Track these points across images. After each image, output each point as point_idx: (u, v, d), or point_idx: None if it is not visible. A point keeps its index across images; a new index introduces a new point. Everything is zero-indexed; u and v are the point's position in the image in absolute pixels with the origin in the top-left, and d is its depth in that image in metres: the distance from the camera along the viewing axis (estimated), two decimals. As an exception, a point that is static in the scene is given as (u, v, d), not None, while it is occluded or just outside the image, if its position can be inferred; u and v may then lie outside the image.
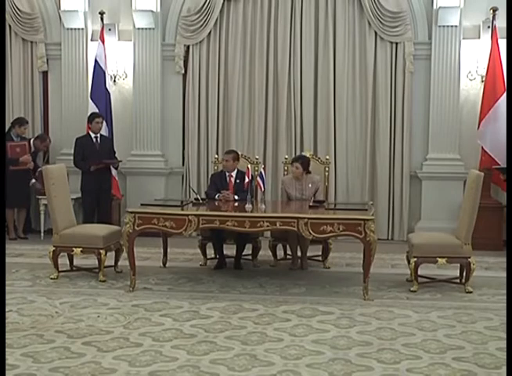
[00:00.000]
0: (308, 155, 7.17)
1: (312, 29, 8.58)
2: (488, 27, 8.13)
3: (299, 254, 6.91)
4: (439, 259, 6.03)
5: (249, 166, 6.68)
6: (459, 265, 6.23)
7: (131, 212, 5.98)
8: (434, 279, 6.35)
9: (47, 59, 9.04)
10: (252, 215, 5.90)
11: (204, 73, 8.84)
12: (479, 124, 8.12)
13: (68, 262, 6.65)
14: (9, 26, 9.02)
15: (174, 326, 4.95)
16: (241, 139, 8.82)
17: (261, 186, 6.49)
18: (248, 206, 6.10)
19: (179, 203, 6.81)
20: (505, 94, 7.91)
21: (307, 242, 6.64)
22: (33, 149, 8.59)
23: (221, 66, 8.82)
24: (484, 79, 8.22)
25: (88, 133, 8.17)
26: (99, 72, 8.58)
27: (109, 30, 8.85)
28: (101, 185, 8.07)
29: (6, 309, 5.05)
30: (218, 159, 7.49)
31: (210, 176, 7.44)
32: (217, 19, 8.71)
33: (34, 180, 8.48)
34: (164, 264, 6.97)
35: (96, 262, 6.40)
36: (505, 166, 7.57)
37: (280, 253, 7.17)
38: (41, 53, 8.98)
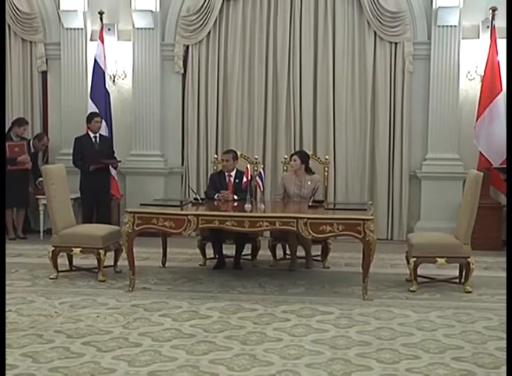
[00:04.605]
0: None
1: (312, 29, 8.58)
2: (488, 26, 8.13)
3: (299, 254, 6.91)
4: (438, 259, 6.03)
5: (248, 166, 6.68)
6: (458, 265, 6.23)
7: (131, 212, 5.97)
8: (433, 279, 6.35)
9: (46, 59, 9.03)
10: (251, 215, 5.89)
11: (204, 73, 8.84)
12: (475, 124, 8.12)
13: (67, 262, 6.65)
14: (9, 26, 9.00)
15: (173, 326, 4.94)
16: (240, 138, 8.81)
17: (261, 185, 6.48)
18: (247, 206, 6.10)
19: (179, 203, 6.82)
20: (500, 94, 7.91)
21: (309, 241, 6.63)
22: (33, 150, 8.58)
23: (220, 66, 8.82)
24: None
25: (88, 133, 8.17)
26: (99, 72, 8.58)
27: (109, 30, 8.84)
28: (100, 185, 8.07)
29: (6, 309, 5.04)
30: (217, 159, 7.48)
31: (209, 176, 7.44)
32: (216, 19, 8.71)
33: (41, 178, 8.32)
34: (164, 264, 6.97)
35: (95, 262, 6.40)
36: (503, 166, 7.56)
37: (280, 253, 7.17)
38: (40, 53, 8.97)
